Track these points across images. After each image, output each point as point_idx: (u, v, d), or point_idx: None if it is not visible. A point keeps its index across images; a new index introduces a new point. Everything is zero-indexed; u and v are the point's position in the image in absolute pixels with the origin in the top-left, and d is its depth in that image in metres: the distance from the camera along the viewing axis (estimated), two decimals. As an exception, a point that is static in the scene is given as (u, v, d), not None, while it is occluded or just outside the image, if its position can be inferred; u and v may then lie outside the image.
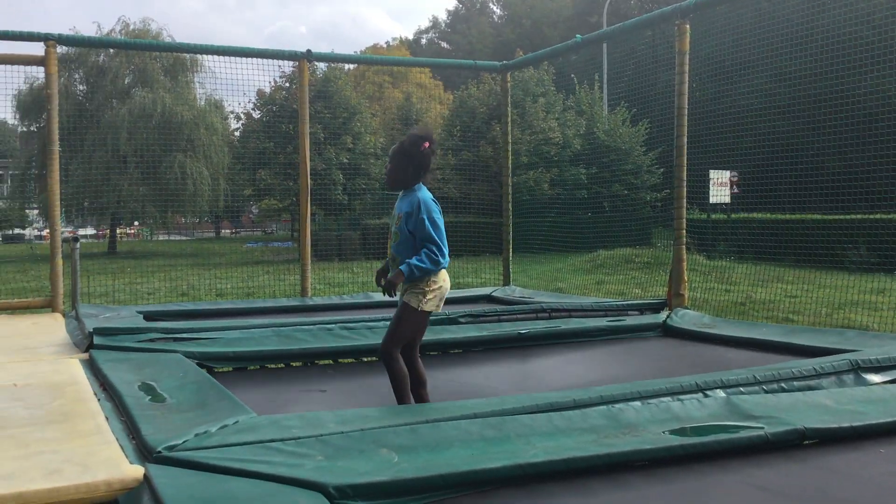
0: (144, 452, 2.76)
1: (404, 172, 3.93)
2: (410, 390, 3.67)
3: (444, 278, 3.87)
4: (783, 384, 3.61)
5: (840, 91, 11.04)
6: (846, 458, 2.82)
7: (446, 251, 3.84)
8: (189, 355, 4.47)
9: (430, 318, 3.92)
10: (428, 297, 3.79)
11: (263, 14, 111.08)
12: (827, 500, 2.46)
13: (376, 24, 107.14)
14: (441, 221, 3.88)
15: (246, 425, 2.98)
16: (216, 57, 8.64)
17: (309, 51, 8.15)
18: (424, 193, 3.92)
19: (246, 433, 2.86)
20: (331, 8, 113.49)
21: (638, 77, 16.77)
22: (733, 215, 15.13)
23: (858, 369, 3.84)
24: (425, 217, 3.78)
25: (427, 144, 3.93)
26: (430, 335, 5.35)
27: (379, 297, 8.07)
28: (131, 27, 26.33)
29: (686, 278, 6.86)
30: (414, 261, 3.72)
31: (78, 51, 24.45)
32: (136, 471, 2.52)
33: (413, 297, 3.80)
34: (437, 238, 3.78)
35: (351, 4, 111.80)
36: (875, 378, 3.84)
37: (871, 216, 12.14)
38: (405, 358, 3.78)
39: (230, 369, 4.62)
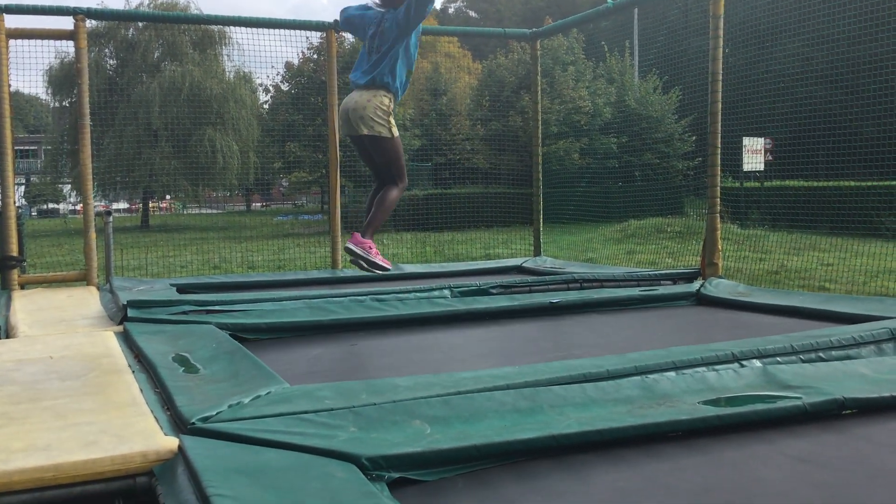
0: (179, 424, 2.78)
1: None
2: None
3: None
4: (821, 353, 3.55)
5: (878, 55, 10.78)
6: (887, 429, 2.76)
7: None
8: (222, 326, 4.50)
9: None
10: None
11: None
12: (867, 471, 2.41)
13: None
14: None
15: (279, 396, 2.98)
16: (244, 30, 8.64)
17: (336, 21, 8.09)
18: None
19: (279, 404, 2.86)
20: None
21: (670, 43, 16.51)
22: (767, 183, 14.92)
23: (899, 338, 3.77)
24: None
25: None
26: (461, 305, 5.36)
27: (410, 268, 8.09)
28: (159, 0, 26.40)
29: (720, 247, 6.77)
30: None
31: (107, 25, 24.59)
32: (170, 442, 2.53)
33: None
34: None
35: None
36: (916, 347, 3.76)
37: (910, 183, 11.91)
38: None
39: (263, 339, 4.64)
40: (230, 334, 4.35)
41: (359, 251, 4.70)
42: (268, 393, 3.02)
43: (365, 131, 4.54)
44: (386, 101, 4.61)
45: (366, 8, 4.83)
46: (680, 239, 13.24)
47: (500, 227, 16.20)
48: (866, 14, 10.82)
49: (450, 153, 22.13)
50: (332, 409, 2.77)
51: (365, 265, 4.77)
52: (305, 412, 2.75)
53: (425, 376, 3.29)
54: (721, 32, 6.53)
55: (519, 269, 8.21)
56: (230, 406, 2.86)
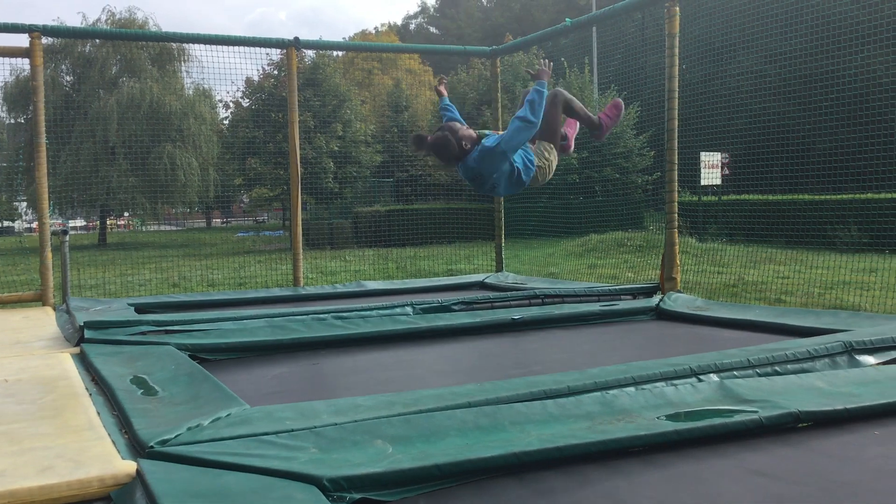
0: (137, 447, 2.75)
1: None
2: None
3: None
4: (777, 367, 3.61)
5: (830, 70, 11.03)
6: (840, 441, 2.82)
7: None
8: (181, 347, 4.45)
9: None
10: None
11: (243, 1, 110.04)
12: (822, 483, 2.46)
13: (359, 9, 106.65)
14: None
15: (239, 418, 2.96)
16: (203, 45, 8.58)
17: (297, 38, 8.09)
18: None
19: (239, 426, 2.84)
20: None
21: (627, 60, 16.73)
22: (724, 197, 15.14)
23: (852, 351, 3.84)
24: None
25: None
26: (423, 322, 5.37)
27: (372, 285, 8.07)
28: (117, 16, 26.13)
29: (678, 262, 6.86)
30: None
31: (64, 41, 24.25)
32: (128, 466, 2.50)
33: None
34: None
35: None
36: (868, 359, 3.84)
37: (862, 196, 12.17)
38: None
39: (223, 360, 4.60)
40: (190, 355, 4.31)
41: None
42: (228, 415, 2.99)
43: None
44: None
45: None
46: (640, 253, 13.36)
47: (463, 242, 16.23)
48: (817, 30, 11.07)
49: (412, 168, 22.15)
50: (292, 430, 2.75)
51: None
52: (266, 434, 2.74)
53: (387, 395, 3.29)
54: (677, 50, 6.64)
55: (481, 285, 8.24)
56: (189, 429, 2.83)
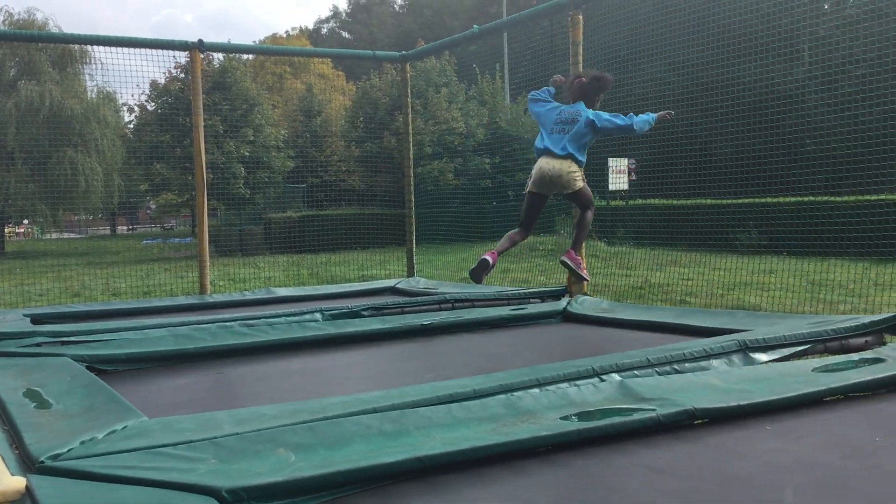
0: (27, 462, 2.64)
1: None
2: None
3: (536, 164, 5.79)
4: (675, 366, 3.71)
5: (730, 79, 11.43)
6: (734, 437, 2.91)
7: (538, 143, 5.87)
8: (78, 358, 4.30)
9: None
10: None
11: (149, 2, 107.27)
12: (717, 478, 2.53)
13: (268, 13, 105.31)
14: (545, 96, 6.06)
15: (136, 430, 2.87)
16: (106, 47, 8.33)
17: (201, 41, 7.93)
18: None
19: (135, 438, 2.76)
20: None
21: (538, 66, 16.97)
22: (631, 202, 15.52)
23: (746, 349, 3.98)
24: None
25: (577, 80, 5.94)
26: (332, 329, 5.32)
27: (282, 291, 7.96)
28: (15, 17, 25.11)
29: (585, 265, 6.99)
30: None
31: (-43, 42, 23.19)
32: (17, 482, 2.39)
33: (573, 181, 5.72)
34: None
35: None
36: (762, 357, 3.99)
37: (761, 200, 12.65)
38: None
39: (123, 371, 4.46)
40: (87, 366, 4.17)
41: (572, 265, 5.74)
42: (124, 427, 2.90)
43: (568, 191, 5.74)
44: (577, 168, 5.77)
45: (546, 101, 6.12)
46: (552, 257, 13.57)
47: (377, 247, 16.18)
48: (718, 40, 11.46)
49: (325, 174, 21.98)
50: (191, 442, 2.68)
51: (574, 276, 6.02)
52: (164, 446, 2.66)
53: (292, 403, 3.25)
54: (581, 58, 6.78)
55: (392, 291, 8.23)
56: (83, 442, 2.74)
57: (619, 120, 5.74)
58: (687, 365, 3.74)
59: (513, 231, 5.92)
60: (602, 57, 12.87)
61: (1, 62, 24.02)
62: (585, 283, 6.66)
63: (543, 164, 5.74)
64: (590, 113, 5.76)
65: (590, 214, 5.87)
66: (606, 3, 10.84)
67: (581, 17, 6.80)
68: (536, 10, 7.74)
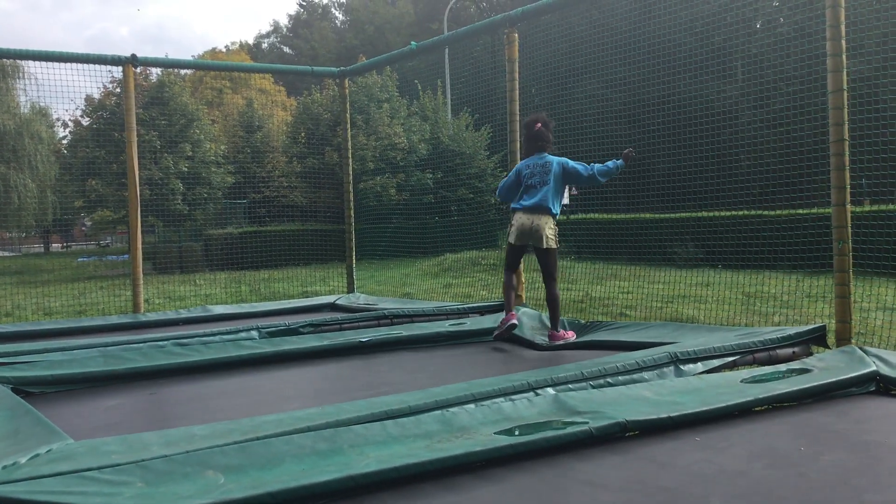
0: (-56, 490, 2.54)
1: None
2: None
3: (513, 219, 5.89)
4: (609, 379, 3.76)
5: (665, 96, 11.68)
6: (664, 448, 2.96)
7: (517, 199, 5.90)
8: (3, 380, 4.17)
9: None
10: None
11: (82, 15, 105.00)
12: (646, 489, 2.57)
13: (206, 27, 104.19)
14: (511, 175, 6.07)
15: (60, 454, 2.80)
16: (39, 62, 8.15)
17: (134, 55, 7.82)
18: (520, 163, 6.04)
19: (60, 462, 2.68)
20: (155, 10, 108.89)
21: (478, 82, 17.15)
22: (572, 216, 15.69)
23: (677, 361, 4.05)
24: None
25: (538, 125, 5.99)
26: (269, 347, 5.26)
27: (218, 309, 7.84)
28: (-58, 29, 24.40)
29: (523, 279, 7.04)
30: None
31: None
32: (-68, 511, 2.32)
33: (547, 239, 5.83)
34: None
35: (177, 7, 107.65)
36: (692, 368, 4.06)
37: (697, 214, 12.90)
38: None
39: (50, 393, 4.33)
40: (12, 388, 4.04)
41: (561, 343, 5.57)
42: (48, 451, 2.82)
43: (541, 246, 5.85)
44: (553, 223, 5.95)
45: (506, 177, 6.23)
46: (494, 271, 13.63)
47: (319, 263, 16.05)
48: (654, 58, 11.71)
49: (266, 190, 21.75)
50: (117, 465, 2.62)
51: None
52: (89, 469, 2.60)
53: (224, 423, 3.20)
54: (517, 75, 6.85)
55: (332, 307, 8.16)
56: (4, 467, 2.66)
57: (583, 169, 5.89)
58: (620, 378, 3.78)
59: (505, 281, 6.02)
60: (540, 74, 13.04)
61: (-73, 75, 23.29)
62: (521, 297, 6.74)
63: (523, 219, 5.85)
64: (557, 159, 5.97)
65: (556, 289, 5.94)
66: (543, 22, 10.98)
67: (517, 34, 6.88)
68: (474, 27, 7.81)
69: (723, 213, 12.10)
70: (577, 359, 4.47)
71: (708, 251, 12.15)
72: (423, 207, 20.45)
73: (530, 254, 6.26)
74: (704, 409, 3.24)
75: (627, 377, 3.79)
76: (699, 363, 4.07)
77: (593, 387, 3.66)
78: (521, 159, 6.97)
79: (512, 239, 5.91)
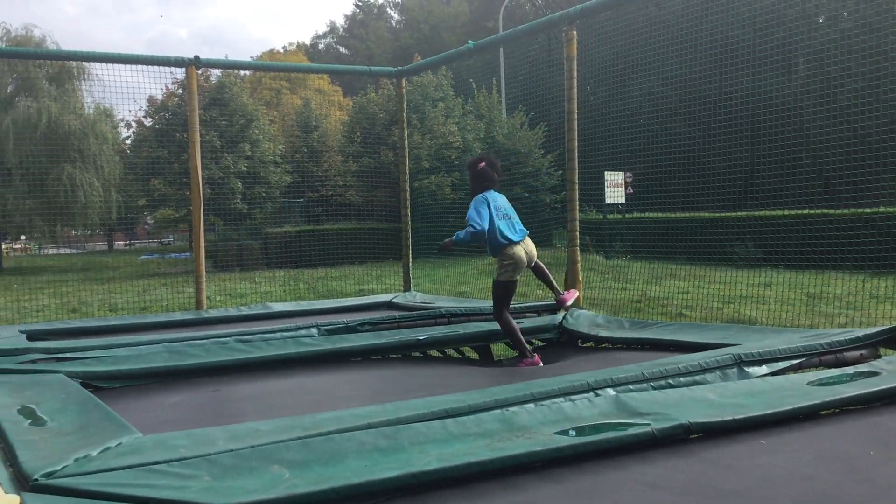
0: (21, 480, 2.63)
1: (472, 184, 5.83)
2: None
3: (512, 254, 5.54)
4: (670, 380, 3.71)
5: (725, 92, 11.48)
6: (729, 451, 2.91)
7: (506, 232, 5.57)
8: (72, 375, 4.29)
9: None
10: (500, 270, 5.59)
11: (142, 18, 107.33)
12: (711, 493, 2.53)
13: (262, 28, 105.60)
14: (483, 209, 5.58)
15: (130, 447, 2.87)
16: (104, 64, 8.37)
17: (197, 57, 7.97)
18: (481, 195, 5.70)
19: (129, 455, 2.75)
20: (214, 12, 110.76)
21: (534, 81, 17.07)
22: (628, 215, 15.54)
23: (741, 363, 3.98)
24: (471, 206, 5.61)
25: (482, 164, 5.80)
26: (328, 344, 5.32)
27: (278, 307, 7.95)
28: (13, 34, 25.18)
29: (581, 279, 7.00)
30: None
31: (-46, 59, 23.25)
32: (11, 500, 2.40)
33: (495, 272, 5.65)
34: (475, 219, 5.52)
35: (235, 9, 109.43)
36: (757, 371, 3.99)
37: (757, 213, 12.67)
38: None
39: (117, 388, 4.45)
40: (81, 383, 4.16)
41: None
42: (118, 444, 2.90)
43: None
44: None
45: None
46: (550, 270, 13.56)
47: (374, 262, 16.16)
48: (713, 54, 11.53)
49: (322, 189, 21.98)
50: (185, 459, 2.68)
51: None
52: (157, 463, 2.66)
53: (286, 419, 3.24)
54: (575, 73, 6.80)
55: (388, 305, 8.21)
56: (76, 460, 2.73)
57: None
58: (682, 379, 3.74)
59: (512, 323, 5.57)
60: (596, 71, 12.93)
61: (-2, 78, 24.09)
62: (578, 296, 6.68)
63: (521, 252, 5.62)
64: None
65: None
66: (601, 19, 10.88)
67: (575, 32, 6.83)
68: (531, 25, 7.77)
69: (784, 212, 11.86)
70: (636, 360, 4.42)
71: (768, 251, 11.93)
72: (477, 206, 20.43)
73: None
74: (770, 411, 3.17)
75: (689, 379, 3.74)
76: (764, 365, 4.00)
77: (654, 388, 3.62)
78: (569, 161, 6.92)
79: (517, 275, 5.61)
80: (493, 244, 5.55)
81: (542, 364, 5.31)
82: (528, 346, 5.49)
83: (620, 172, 14.73)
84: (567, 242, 7.12)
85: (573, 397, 3.41)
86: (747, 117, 11.32)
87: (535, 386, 3.52)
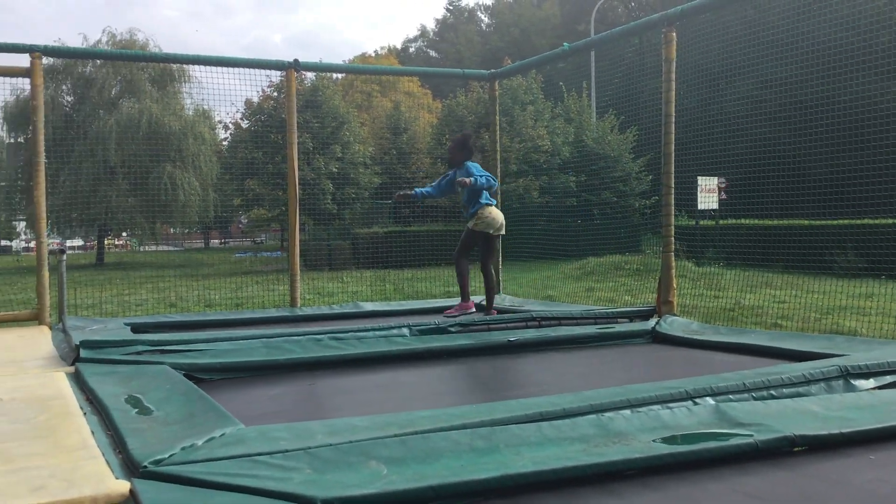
0: (130, 467, 2.73)
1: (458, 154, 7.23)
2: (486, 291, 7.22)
3: (489, 212, 7.00)
4: (772, 391, 3.61)
5: (826, 97, 11.09)
6: (836, 465, 2.81)
7: (489, 196, 7.06)
8: (176, 367, 4.45)
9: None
10: (476, 221, 6.97)
11: (239, 23, 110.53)
12: (817, 508, 2.45)
13: (354, 32, 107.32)
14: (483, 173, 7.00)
15: (233, 437, 2.95)
16: (203, 66, 8.64)
17: (296, 60, 8.14)
18: (472, 164, 7.16)
19: (233, 446, 2.83)
20: (308, 17, 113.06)
21: (626, 84, 16.83)
22: (721, 221, 15.17)
23: (848, 375, 3.84)
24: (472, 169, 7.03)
25: (468, 139, 7.29)
26: (418, 343, 5.37)
27: (369, 306, 8.07)
28: (118, 38, 26.28)
29: (675, 285, 6.87)
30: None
31: (65, 62, 24.39)
32: (121, 486, 2.49)
33: (471, 223, 6.98)
34: (486, 174, 6.99)
35: (327, 14, 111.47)
36: (864, 384, 3.84)
37: (859, 221, 12.20)
38: (482, 265, 7.24)
39: (218, 380, 4.59)
40: (185, 374, 4.30)
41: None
42: (222, 434, 2.99)
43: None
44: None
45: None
46: (638, 276, 13.37)
47: (461, 264, 16.21)
48: (814, 57, 11.15)
49: (410, 190, 22.19)
50: (287, 451, 2.74)
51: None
52: (260, 454, 2.72)
53: (382, 416, 3.28)
54: (674, 76, 6.68)
55: (478, 307, 8.22)
56: (183, 448, 2.82)
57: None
58: (784, 390, 3.62)
59: (465, 268, 7.29)
60: (690, 74, 12.66)
61: (104, 81, 25.14)
62: (673, 303, 6.61)
63: (497, 214, 7.13)
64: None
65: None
66: (699, 20, 10.66)
67: (675, 34, 6.71)
68: (629, 27, 7.68)
69: (888, 221, 11.40)
70: (735, 367, 4.31)
71: (871, 260, 11.46)
72: (565, 210, 20.30)
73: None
74: (879, 426, 3.05)
75: (792, 390, 3.62)
76: (871, 378, 3.84)
77: (755, 398, 3.52)
78: (665, 165, 6.82)
79: (493, 230, 6.98)
80: (476, 202, 6.93)
81: (474, 309, 7.04)
82: (469, 294, 7.12)
83: (714, 177, 14.39)
84: (661, 248, 6.99)
85: (671, 405, 3.35)
86: (849, 122, 10.91)
87: (632, 392, 3.47)
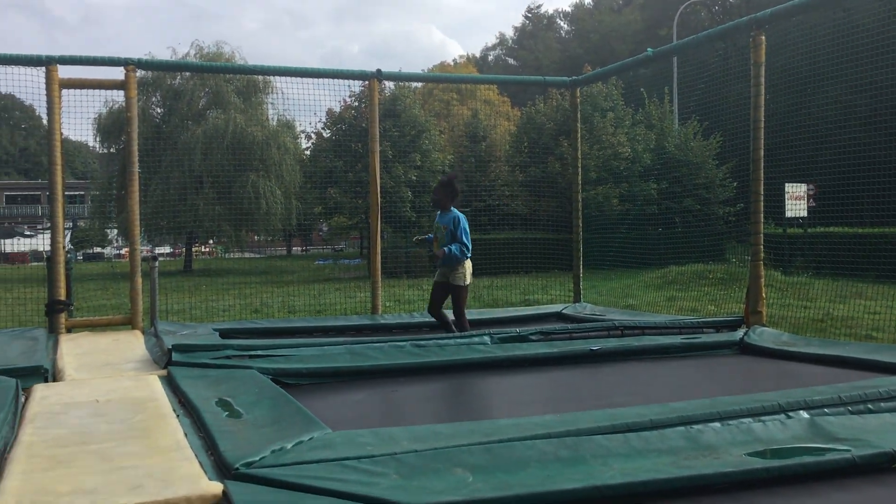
0: (223, 469, 2.80)
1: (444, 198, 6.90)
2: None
3: (470, 265, 6.79)
4: (870, 404, 3.48)
5: (923, 100, 10.65)
6: (940, 484, 2.69)
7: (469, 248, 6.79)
8: (263, 371, 4.54)
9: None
10: (462, 276, 6.75)
11: (316, 34, 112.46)
12: (921, 528, 2.35)
13: (431, 42, 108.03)
14: (468, 231, 6.82)
15: (321, 442, 3.00)
16: (286, 78, 8.82)
17: (379, 70, 8.25)
18: (463, 216, 6.89)
19: (321, 450, 2.88)
20: (385, 26, 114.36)
21: (710, 89, 16.48)
22: (810, 229, 14.71)
23: (950, 390, 3.67)
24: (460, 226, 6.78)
25: (454, 181, 7.04)
26: (502, 352, 5.36)
27: (450, 315, 8.07)
28: (205, 50, 27.06)
29: (764, 295, 6.69)
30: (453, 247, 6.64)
31: (155, 74, 25.24)
32: (215, 487, 2.56)
33: (456, 279, 6.74)
34: (466, 244, 6.75)
35: (403, 24, 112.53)
36: (968, 399, 3.66)
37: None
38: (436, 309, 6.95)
39: (304, 384, 4.67)
40: (272, 379, 4.39)
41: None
42: (310, 439, 3.04)
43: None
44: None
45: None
46: (722, 286, 13.05)
47: (539, 272, 16.12)
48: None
49: (488, 198, 22.18)
50: (373, 456, 2.78)
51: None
52: (347, 458, 2.76)
53: (466, 423, 3.29)
54: (762, 80, 6.52)
55: (558, 316, 8.17)
56: (273, 451, 2.88)
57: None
58: (882, 404, 3.49)
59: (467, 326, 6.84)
60: (782, 78, 12.33)
61: (192, 92, 25.92)
62: (762, 314, 6.42)
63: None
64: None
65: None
66: (786, 24, 10.37)
67: (763, 37, 6.54)
68: (716, 30, 7.52)
69: None
70: (829, 380, 4.16)
71: (972, 271, 10.95)
72: (645, 218, 20.00)
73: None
74: None
75: (891, 404, 3.48)
76: (976, 394, 3.66)
77: (852, 412, 3.40)
78: (754, 171, 6.65)
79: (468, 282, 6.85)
80: (462, 257, 6.70)
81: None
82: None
83: (802, 184, 13.97)
84: (749, 257, 6.81)
85: (763, 418, 3.26)
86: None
87: (722, 404, 3.39)
